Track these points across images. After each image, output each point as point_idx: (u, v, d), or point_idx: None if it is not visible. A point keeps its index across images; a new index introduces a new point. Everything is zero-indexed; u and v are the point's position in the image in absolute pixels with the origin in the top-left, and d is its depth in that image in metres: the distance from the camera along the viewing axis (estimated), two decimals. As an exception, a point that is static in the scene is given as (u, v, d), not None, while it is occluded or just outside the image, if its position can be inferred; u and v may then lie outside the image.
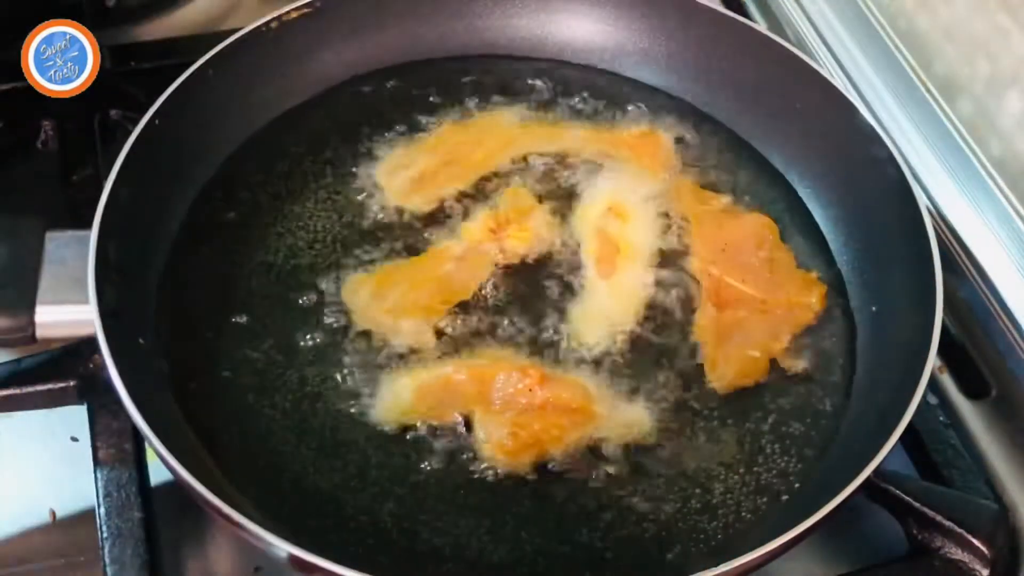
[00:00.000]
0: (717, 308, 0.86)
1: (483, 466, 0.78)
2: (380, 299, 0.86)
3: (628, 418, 0.81)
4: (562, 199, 0.94)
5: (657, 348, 0.86)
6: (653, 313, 0.88)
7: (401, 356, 0.83)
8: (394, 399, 0.81)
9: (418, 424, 0.80)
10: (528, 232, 0.90)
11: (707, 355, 0.85)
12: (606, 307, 0.87)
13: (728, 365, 0.84)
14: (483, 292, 0.87)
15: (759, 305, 0.87)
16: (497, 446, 0.78)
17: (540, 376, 0.80)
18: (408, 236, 0.91)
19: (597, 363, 0.84)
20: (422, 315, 0.85)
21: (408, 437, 0.80)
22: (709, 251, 0.90)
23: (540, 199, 0.93)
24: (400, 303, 0.85)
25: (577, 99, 1.02)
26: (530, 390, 0.80)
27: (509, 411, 0.79)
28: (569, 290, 0.88)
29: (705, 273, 0.89)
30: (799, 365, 0.85)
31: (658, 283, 0.89)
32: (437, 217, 0.92)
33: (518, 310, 0.87)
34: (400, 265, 0.89)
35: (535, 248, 0.90)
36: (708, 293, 0.87)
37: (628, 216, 0.92)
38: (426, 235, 0.91)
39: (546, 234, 0.91)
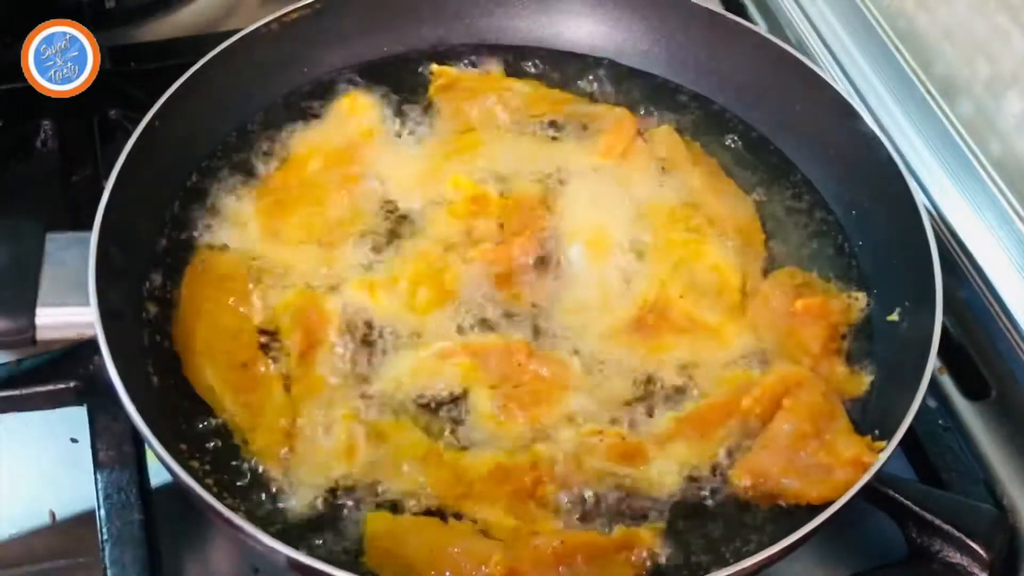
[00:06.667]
0: (650, 308, 0.87)
1: (478, 436, 0.79)
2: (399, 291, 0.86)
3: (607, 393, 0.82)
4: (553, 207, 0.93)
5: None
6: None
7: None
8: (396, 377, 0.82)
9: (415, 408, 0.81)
10: (529, 239, 0.90)
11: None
12: (589, 300, 0.88)
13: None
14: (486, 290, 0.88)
15: (685, 322, 0.86)
16: (489, 416, 0.80)
17: (528, 351, 0.83)
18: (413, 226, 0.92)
19: (577, 350, 0.85)
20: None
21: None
22: (665, 262, 0.89)
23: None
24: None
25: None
26: (519, 364, 0.82)
27: (503, 384, 0.81)
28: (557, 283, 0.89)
29: (653, 279, 0.89)
30: (677, 380, 0.83)
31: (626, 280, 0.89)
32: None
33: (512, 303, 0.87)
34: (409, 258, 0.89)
35: (535, 250, 0.90)
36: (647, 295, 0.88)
37: (608, 224, 0.92)
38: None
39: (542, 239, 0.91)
